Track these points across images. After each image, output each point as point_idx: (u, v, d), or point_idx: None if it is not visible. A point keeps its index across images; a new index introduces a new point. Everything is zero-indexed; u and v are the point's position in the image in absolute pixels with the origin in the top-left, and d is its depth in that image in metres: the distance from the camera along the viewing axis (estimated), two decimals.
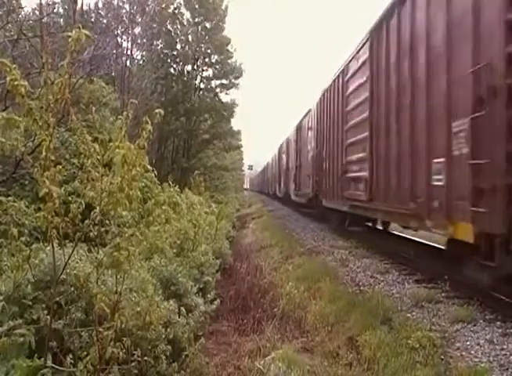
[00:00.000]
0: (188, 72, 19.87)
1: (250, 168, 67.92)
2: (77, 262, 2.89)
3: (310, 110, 15.49)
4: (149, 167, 2.51)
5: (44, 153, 2.13)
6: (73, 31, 2.10)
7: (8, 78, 2.02)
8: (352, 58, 9.40)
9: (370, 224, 10.78)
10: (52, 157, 2.17)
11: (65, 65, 2.10)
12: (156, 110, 2.50)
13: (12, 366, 2.21)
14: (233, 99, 20.94)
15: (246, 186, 77.99)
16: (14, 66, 2.04)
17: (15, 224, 2.75)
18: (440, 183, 5.18)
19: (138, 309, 2.81)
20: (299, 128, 18.49)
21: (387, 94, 7.09)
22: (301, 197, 17.32)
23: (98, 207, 2.35)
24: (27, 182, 5.91)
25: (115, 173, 2.34)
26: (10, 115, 2.09)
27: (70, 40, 2.10)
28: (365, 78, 8.25)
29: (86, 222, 2.40)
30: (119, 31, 14.24)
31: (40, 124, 2.10)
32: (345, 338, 4.20)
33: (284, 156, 24.53)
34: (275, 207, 25.48)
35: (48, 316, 2.42)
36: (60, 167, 2.25)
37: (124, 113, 2.37)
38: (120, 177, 2.29)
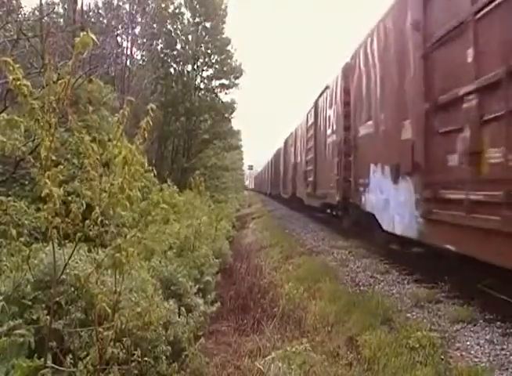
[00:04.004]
0: (188, 72, 19.88)
1: (250, 168, 67.99)
2: (77, 262, 2.89)
3: (291, 133, 21.80)
4: (147, 166, 2.50)
5: (45, 153, 2.12)
6: (81, 34, 2.08)
7: (11, 77, 2.01)
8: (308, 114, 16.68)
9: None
10: (53, 157, 2.17)
11: (70, 66, 2.09)
12: (148, 106, 2.45)
13: (12, 366, 2.21)
14: (233, 99, 20.98)
15: (251, 185, 77.54)
16: (17, 65, 2.03)
17: (14, 224, 2.75)
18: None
19: (138, 309, 2.81)
20: (286, 143, 24.35)
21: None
22: (286, 195, 23.81)
23: (98, 208, 2.34)
24: (27, 182, 5.92)
25: (115, 174, 2.33)
26: (11, 116, 2.08)
27: (77, 42, 2.08)
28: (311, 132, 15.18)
29: (87, 222, 2.39)
30: (119, 31, 14.25)
31: (41, 124, 2.09)
32: (345, 338, 4.19)
33: (279, 161, 29.95)
34: (274, 207, 25.48)
35: (48, 316, 2.42)
36: (62, 167, 2.25)
37: (121, 111, 2.35)
38: (121, 177, 2.28)
